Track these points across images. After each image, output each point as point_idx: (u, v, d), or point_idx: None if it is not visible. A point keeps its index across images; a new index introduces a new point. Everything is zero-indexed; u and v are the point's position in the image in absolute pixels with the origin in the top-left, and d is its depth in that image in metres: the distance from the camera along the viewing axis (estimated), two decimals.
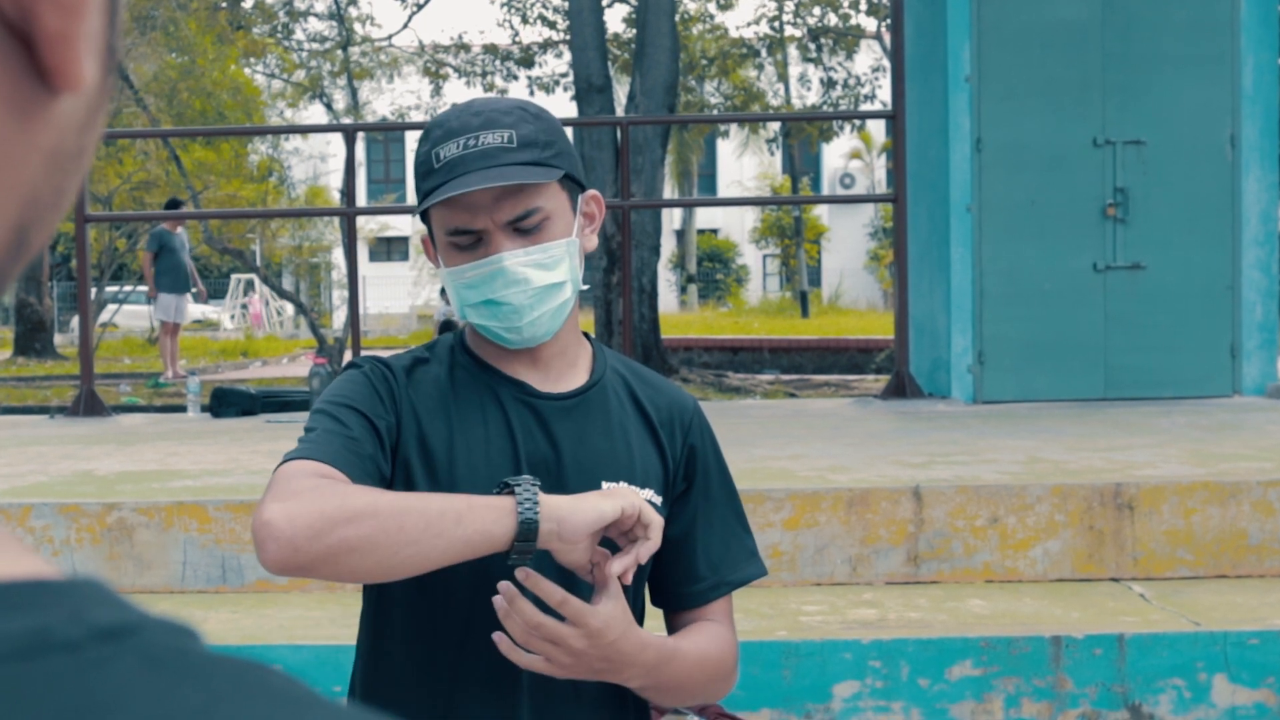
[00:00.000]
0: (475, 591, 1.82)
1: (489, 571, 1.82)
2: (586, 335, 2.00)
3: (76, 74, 0.40)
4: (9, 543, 0.41)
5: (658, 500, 1.92)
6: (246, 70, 24.83)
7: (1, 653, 0.35)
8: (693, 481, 1.96)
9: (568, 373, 1.93)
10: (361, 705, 1.85)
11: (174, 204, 16.55)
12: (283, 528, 1.58)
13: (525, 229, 1.82)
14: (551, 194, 1.84)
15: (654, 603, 2.00)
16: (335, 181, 33.81)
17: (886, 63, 22.43)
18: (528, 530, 1.62)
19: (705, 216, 45.44)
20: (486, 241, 1.82)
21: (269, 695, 0.37)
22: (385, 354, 1.99)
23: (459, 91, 23.95)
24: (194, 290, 16.01)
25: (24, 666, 0.35)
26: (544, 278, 1.83)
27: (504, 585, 1.68)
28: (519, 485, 1.65)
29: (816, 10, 24.46)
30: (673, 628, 1.99)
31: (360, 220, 13.26)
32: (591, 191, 1.93)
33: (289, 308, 34.39)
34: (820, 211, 43.04)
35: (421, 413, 1.86)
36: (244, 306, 35.81)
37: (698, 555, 1.96)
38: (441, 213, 1.83)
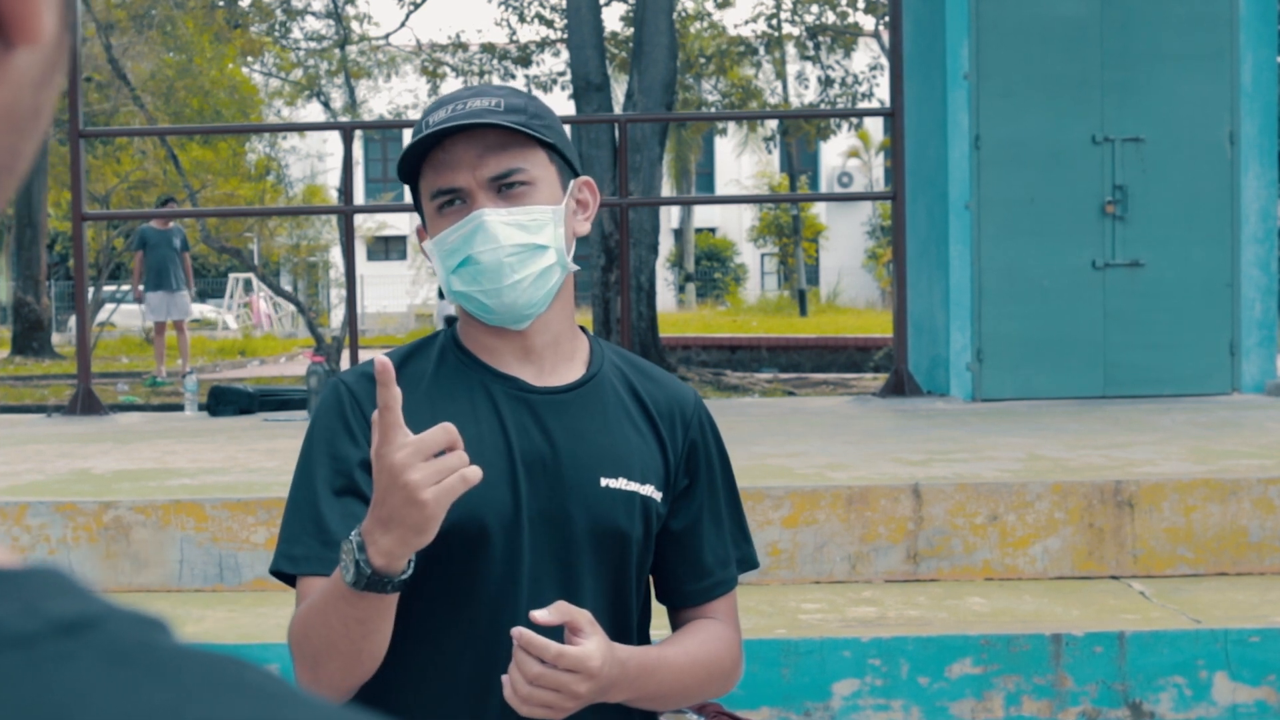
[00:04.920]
0: (459, 612, 1.82)
1: (473, 593, 1.81)
2: (584, 329, 1.96)
3: (36, 27, 0.38)
4: None
5: (657, 496, 1.89)
6: (244, 69, 24.81)
7: None
8: (695, 477, 1.93)
9: (562, 366, 1.89)
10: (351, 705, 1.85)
11: (165, 201, 16.41)
12: None
13: (508, 187, 1.80)
14: (538, 162, 1.83)
15: (658, 599, 1.98)
16: (333, 180, 33.80)
17: (884, 61, 22.42)
18: (372, 581, 1.62)
19: (703, 215, 45.44)
20: (469, 203, 1.81)
21: (244, 692, 0.34)
22: (375, 354, 1.97)
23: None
24: (183, 288, 15.57)
25: None
26: (525, 238, 1.80)
27: (514, 635, 1.68)
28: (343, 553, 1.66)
29: (814, 8, 24.44)
30: (676, 624, 1.97)
31: (358, 219, 13.19)
32: (585, 178, 1.91)
33: (286, 306, 34.39)
34: (818, 210, 43.06)
35: (409, 418, 1.83)
36: (245, 305, 35.79)
37: (703, 552, 1.93)
38: (428, 178, 1.82)
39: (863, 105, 23.61)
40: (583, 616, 1.69)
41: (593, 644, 1.68)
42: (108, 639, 0.34)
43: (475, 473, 1.57)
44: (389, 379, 1.57)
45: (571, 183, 1.88)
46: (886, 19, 14.66)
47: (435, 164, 1.81)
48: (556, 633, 1.70)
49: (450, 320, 2.00)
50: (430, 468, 1.55)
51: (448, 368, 1.88)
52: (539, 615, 1.67)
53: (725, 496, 1.97)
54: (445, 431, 1.56)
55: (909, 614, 4.11)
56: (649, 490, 1.87)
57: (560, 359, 1.89)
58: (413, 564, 1.63)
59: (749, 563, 1.99)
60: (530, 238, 1.80)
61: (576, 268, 1.90)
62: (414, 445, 1.55)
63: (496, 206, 1.80)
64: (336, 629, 1.67)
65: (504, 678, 1.68)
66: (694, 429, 1.93)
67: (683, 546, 1.93)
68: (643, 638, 1.92)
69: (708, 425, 1.96)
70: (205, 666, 0.35)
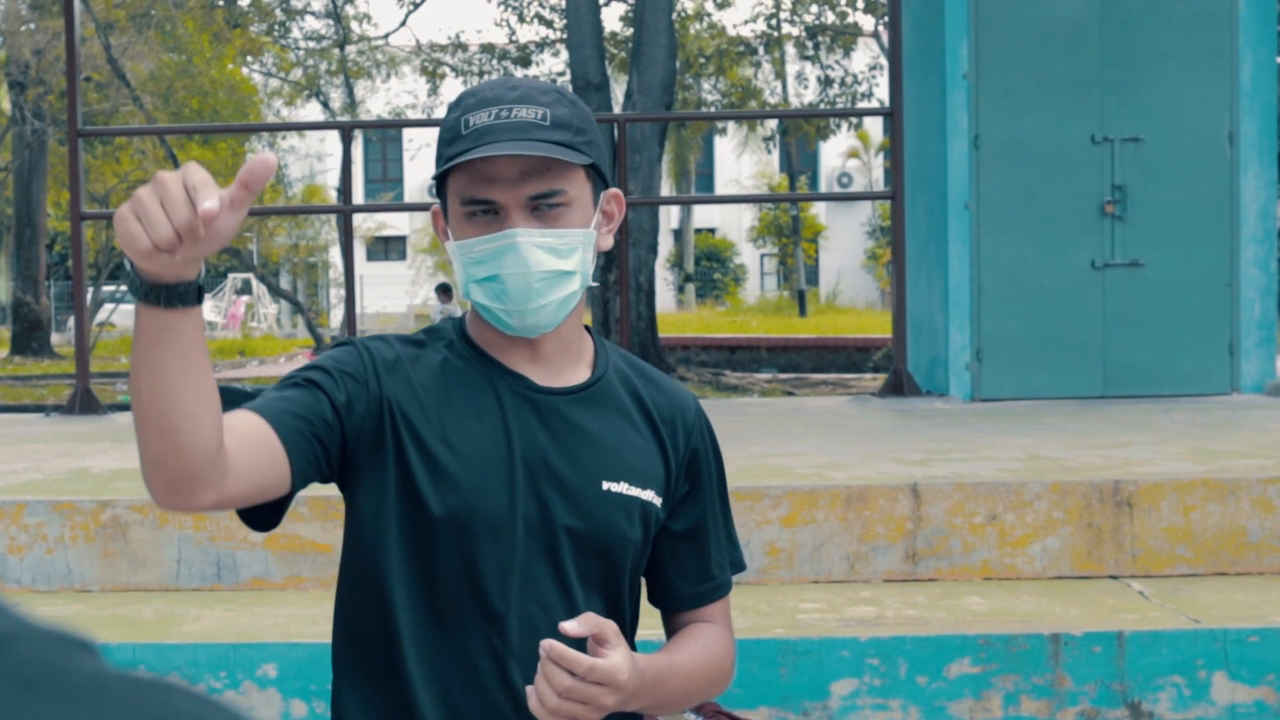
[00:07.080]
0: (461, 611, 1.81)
1: (467, 590, 1.80)
2: (589, 330, 1.95)
3: None
4: None
5: (657, 502, 1.88)
6: (243, 69, 24.81)
7: None
8: (697, 483, 1.92)
9: (569, 368, 1.88)
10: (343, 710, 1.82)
11: None
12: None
13: (545, 210, 1.76)
14: (577, 181, 1.78)
15: (652, 602, 1.98)
16: (332, 181, 33.81)
17: (884, 61, 22.42)
18: (151, 291, 1.47)
19: (703, 215, 45.43)
20: (502, 217, 1.76)
21: None
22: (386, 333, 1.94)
23: (456, 91, 23.93)
24: None
25: None
26: (555, 263, 1.76)
27: (544, 648, 1.65)
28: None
29: (814, 8, 24.44)
30: (671, 628, 1.96)
31: (357, 220, 13.24)
32: (614, 190, 1.86)
33: (276, 310, 34.40)
34: (818, 210, 43.07)
35: (413, 398, 1.80)
36: (228, 302, 35.78)
37: (704, 557, 1.93)
38: (461, 180, 1.76)
39: (862, 105, 23.61)
40: (609, 628, 1.68)
41: (619, 656, 1.67)
42: (15, 661, 0.31)
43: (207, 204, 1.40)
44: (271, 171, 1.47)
45: (601, 195, 1.85)
46: (886, 19, 14.65)
47: (472, 171, 1.75)
48: (552, 630, 1.70)
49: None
50: (152, 198, 1.40)
51: (456, 362, 1.86)
52: (569, 627, 1.66)
53: (720, 504, 1.97)
54: (263, 164, 1.45)
55: (907, 614, 4.10)
56: (650, 495, 1.86)
57: (568, 361, 1.88)
58: (203, 275, 1.50)
59: (738, 565, 2.01)
60: (560, 263, 1.76)
61: (596, 283, 1.89)
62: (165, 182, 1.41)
63: (530, 225, 1.75)
64: (143, 385, 1.52)
65: (529, 689, 1.68)
66: (695, 436, 1.93)
67: (685, 551, 1.92)
68: (631, 641, 1.92)
69: (707, 432, 1.96)
70: (126, 693, 0.31)
